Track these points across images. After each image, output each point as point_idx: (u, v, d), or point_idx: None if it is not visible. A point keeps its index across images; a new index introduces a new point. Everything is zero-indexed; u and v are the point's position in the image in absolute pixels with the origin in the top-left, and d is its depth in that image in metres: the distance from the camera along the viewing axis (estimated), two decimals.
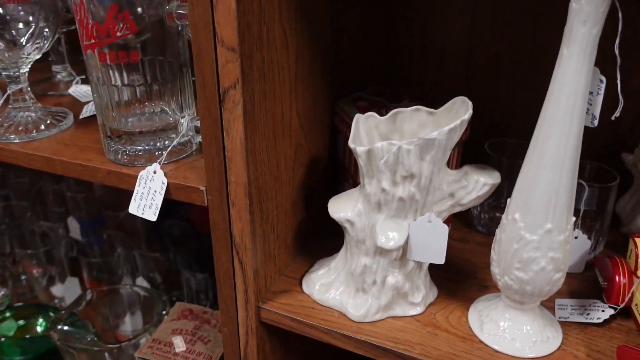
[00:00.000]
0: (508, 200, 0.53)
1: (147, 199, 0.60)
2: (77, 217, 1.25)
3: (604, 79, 0.47)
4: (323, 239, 0.72)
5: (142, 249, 1.15)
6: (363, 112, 0.58)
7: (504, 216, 0.53)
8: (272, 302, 0.63)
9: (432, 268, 0.63)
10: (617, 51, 0.44)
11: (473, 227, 0.77)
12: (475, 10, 0.81)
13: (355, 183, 0.69)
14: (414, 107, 0.58)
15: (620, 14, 0.43)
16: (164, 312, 0.88)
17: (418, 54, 0.87)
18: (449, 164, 0.69)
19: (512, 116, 0.83)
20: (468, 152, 0.77)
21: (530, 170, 0.49)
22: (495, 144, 0.74)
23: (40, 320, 1.11)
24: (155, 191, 0.60)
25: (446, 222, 0.74)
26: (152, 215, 0.59)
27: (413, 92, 0.76)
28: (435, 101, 0.68)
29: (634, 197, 0.69)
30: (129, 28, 0.56)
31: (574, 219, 0.51)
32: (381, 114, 0.59)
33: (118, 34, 0.57)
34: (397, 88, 0.78)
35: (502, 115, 0.84)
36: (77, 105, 0.82)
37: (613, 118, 0.46)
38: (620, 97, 0.45)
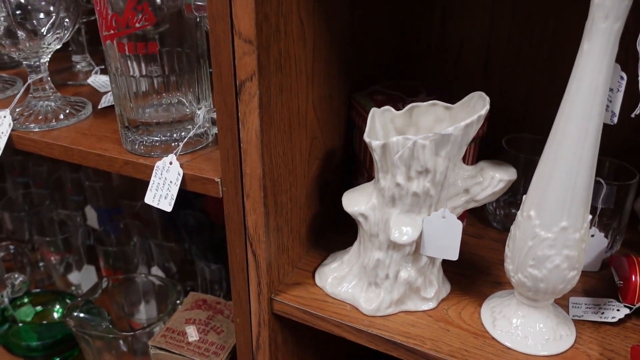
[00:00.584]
0: (524, 197, 0.53)
1: (163, 190, 0.60)
2: (94, 206, 1.27)
3: (625, 76, 0.46)
4: (337, 233, 0.72)
5: (157, 239, 1.16)
6: (379, 105, 0.58)
7: (519, 213, 0.53)
8: (285, 294, 0.63)
9: (446, 263, 0.63)
10: (639, 47, 0.43)
11: (488, 223, 0.76)
12: (495, 4, 0.80)
13: (370, 177, 0.69)
14: (430, 101, 0.58)
15: None
16: (178, 302, 0.89)
17: (436, 48, 0.87)
18: (465, 160, 0.69)
19: (530, 112, 0.82)
20: (485, 147, 0.77)
21: (547, 167, 0.49)
22: (513, 139, 0.73)
23: (57, 306, 1.13)
24: (171, 182, 0.60)
25: (461, 217, 0.74)
26: (167, 205, 0.60)
27: (430, 86, 0.75)
28: (453, 95, 0.67)
29: None
30: (148, 19, 0.57)
31: (590, 217, 0.51)
32: (397, 108, 0.59)
33: (137, 25, 0.57)
34: (415, 82, 0.78)
35: (520, 110, 0.83)
36: (96, 95, 0.83)
37: (633, 116, 0.45)
38: None
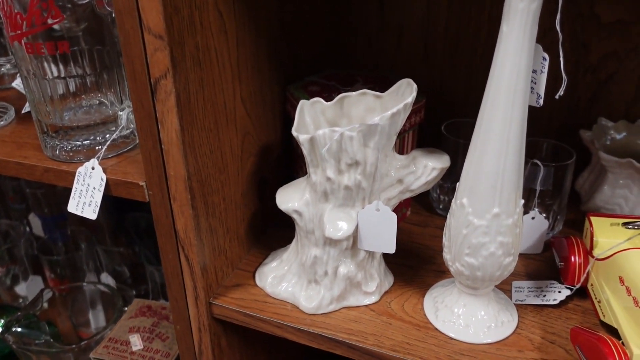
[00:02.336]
0: (457, 184, 0.52)
1: (86, 197, 0.57)
2: (38, 214, 1.22)
3: (547, 57, 0.45)
4: (281, 229, 0.70)
5: (106, 244, 1.12)
6: (314, 97, 0.56)
7: (453, 201, 0.52)
8: (224, 298, 0.61)
9: (389, 255, 0.62)
10: (558, 27, 0.42)
11: (433, 211, 0.75)
12: None
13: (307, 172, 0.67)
14: (360, 91, 0.56)
15: None
16: (125, 309, 0.86)
17: (376, 36, 0.85)
18: (404, 148, 0.68)
19: (470, 97, 0.81)
20: (426, 134, 0.76)
21: (475, 153, 0.48)
22: (453, 125, 0.72)
23: (2, 321, 1.08)
24: (94, 188, 0.57)
25: (405, 205, 0.73)
26: (91, 213, 0.57)
27: (367, 75, 0.74)
28: (389, 83, 0.66)
29: (592, 175, 0.68)
30: (55, 17, 0.53)
31: (523, 201, 0.50)
32: (332, 99, 0.57)
33: (44, 23, 0.53)
34: (352, 71, 0.76)
35: (460, 95, 0.82)
36: (22, 99, 0.78)
37: (557, 97, 0.44)
38: (564, 75, 0.43)
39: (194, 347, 0.64)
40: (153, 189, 0.55)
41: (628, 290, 0.50)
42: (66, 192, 1.18)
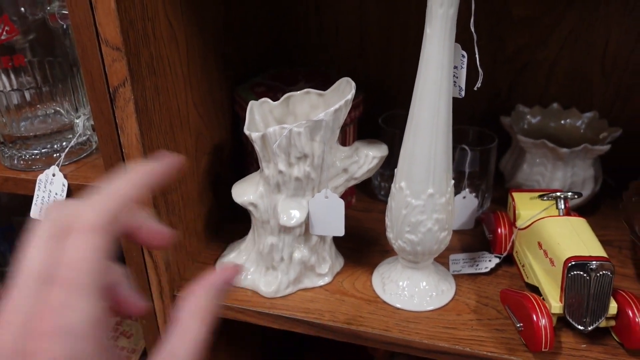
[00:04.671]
0: (395, 170, 0.58)
1: (48, 202, 0.60)
2: None
3: (465, 54, 0.51)
4: (236, 223, 0.74)
5: None
6: (261, 97, 0.61)
7: (392, 185, 0.58)
8: (187, 289, 0.65)
9: (338, 239, 0.67)
10: (472, 29, 0.49)
11: (375, 197, 0.82)
12: None
13: (259, 167, 0.71)
14: (304, 90, 0.61)
15: None
16: None
17: (315, 35, 0.90)
18: (346, 140, 0.74)
19: (404, 89, 0.88)
20: (365, 126, 0.82)
21: (409, 142, 0.54)
22: (390, 116, 0.79)
23: None
24: (56, 194, 0.60)
25: (350, 194, 0.79)
26: None
27: (309, 73, 0.79)
28: (330, 79, 0.71)
29: (513, 156, 0.77)
30: (10, 32, 0.56)
31: (453, 181, 0.57)
32: (278, 98, 0.61)
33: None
34: (295, 69, 0.81)
35: (395, 88, 0.89)
36: None
37: (475, 89, 0.51)
38: (480, 69, 0.50)
39: (160, 340, 0.67)
40: None
41: (545, 253, 0.58)
42: (12, 203, 1.17)
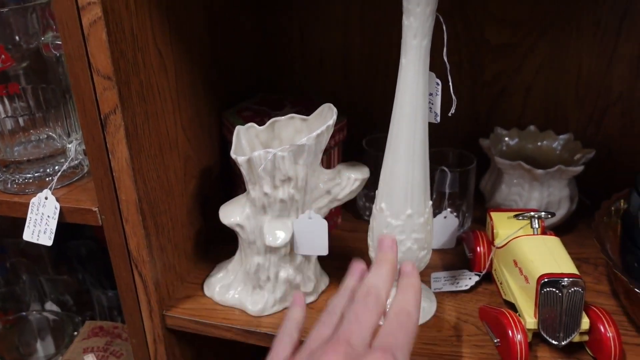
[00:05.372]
0: (376, 192, 0.60)
1: (41, 225, 0.62)
2: None
3: (440, 82, 0.54)
4: (223, 244, 0.76)
5: (48, 273, 1.14)
6: (248, 121, 0.63)
7: (374, 206, 0.60)
8: (176, 309, 0.66)
9: (324, 259, 0.69)
10: (445, 58, 0.52)
11: (361, 217, 0.84)
12: (345, 18, 0.88)
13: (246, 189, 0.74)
14: (289, 115, 0.64)
15: (444, 28, 0.50)
16: (75, 333, 0.89)
17: (300, 62, 0.94)
18: (330, 163, 0.76)
19: (387, 113, 0.90)
20: (350, 149, 0.84)
21: (389, 165, 0.57)
22: (373, 139, 0.81)
23: None
24: (48, 216, 0.61)
25: (336, 214, 0.81)
26: (47, 240, 0.61)
27: (295, 99, 0.82)
28: (314, 105, 0.74)
29: (492, 177, 0.79)
30: (5, 61, 0.58)
31: (431, 202, 0.59)
32: (264, 122, 0.64)
33: None
34: (281, 94, 0.84)
35: (379, 112, 0.91)
36: None
37: (450, 114, 0.54)
38: (454, 96, 0.53)
39: (149, 359, 0.69)
40: (106, 213, 0.60)
41: (520, 271, 0.60)
42: (2, 224, 1.18)
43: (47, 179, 0.64)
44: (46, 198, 0.61)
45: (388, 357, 0.36)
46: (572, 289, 0.54)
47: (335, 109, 0.60)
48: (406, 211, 0.57)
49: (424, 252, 0.60)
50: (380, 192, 0.59)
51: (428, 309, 0.65)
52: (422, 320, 0.63)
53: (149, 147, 0.59)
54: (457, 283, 0.68)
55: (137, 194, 0.58)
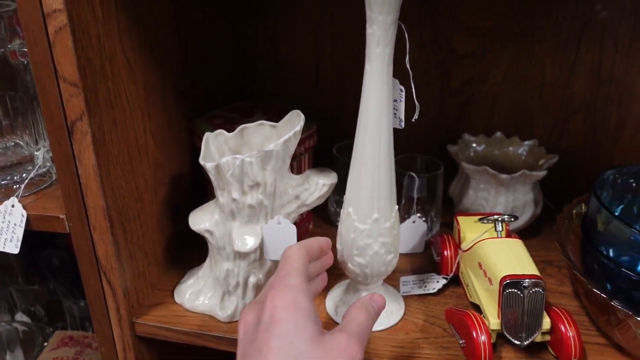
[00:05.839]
0: (344, 197, 0.61)
1: (7, 233, 0.61)
2: None
3: (404, 89, 0.56)
4: (194, 251, 0.76)
5: (18, 284, 1.12)
6: (218, 128, 0.64)
7: (342, 211, 0.61)
8: (146, 316, 0.66)
9: None
10: (408, 66, 0.53)
11: (332, 223, 0.85)
12: (318, 27, 0.90)
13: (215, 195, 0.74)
14: (258, 122, 0.64)
15: (406, 36, 0.52)
16: (45, 344, 0.88)
17: (272, 70, 0.95)
18: (300, 170, 0.77)
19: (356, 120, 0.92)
20: (321, 155, 0.85)
21: (355, 170, 0.58)
22: (343, 146, 0.82)
23: None
24: (15, 224, 0.61)
25: (307, 220, 0.82)
26: (14, 248, 0.61)
27: (266, 106, 0.83)
28: (285, 112, 0.75)
29: (460, 182, 0.81)
30: None
31: (397, 207, 0.60)
32: (235, 129, 0.64)
33: None
34: (252, 102, 0.85)
35: (349, 119, 0.92)
36: None
37: (413, 120, 0.55)
38: (416, 102, 0.54)
39: None
40: (73, 220, 0.60)
41: (485, 273, 0.61)
42: None
43: (15, 186, 0.64)
44: (13, 206, 0.61)
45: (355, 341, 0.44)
46: (533, 290, 0.56)
47: (302, 115, 0.61)
48: (373, 215, 0.58)
49: (390, 255, 0.61)
50: (347, 197, 0.60)
51: (396, 312, 0.66)
52: (390, 323, 0.64)
53: (117, 154, 0.60)
54: (425, 286, 0.69)
55: (104, 201, 0.58)
